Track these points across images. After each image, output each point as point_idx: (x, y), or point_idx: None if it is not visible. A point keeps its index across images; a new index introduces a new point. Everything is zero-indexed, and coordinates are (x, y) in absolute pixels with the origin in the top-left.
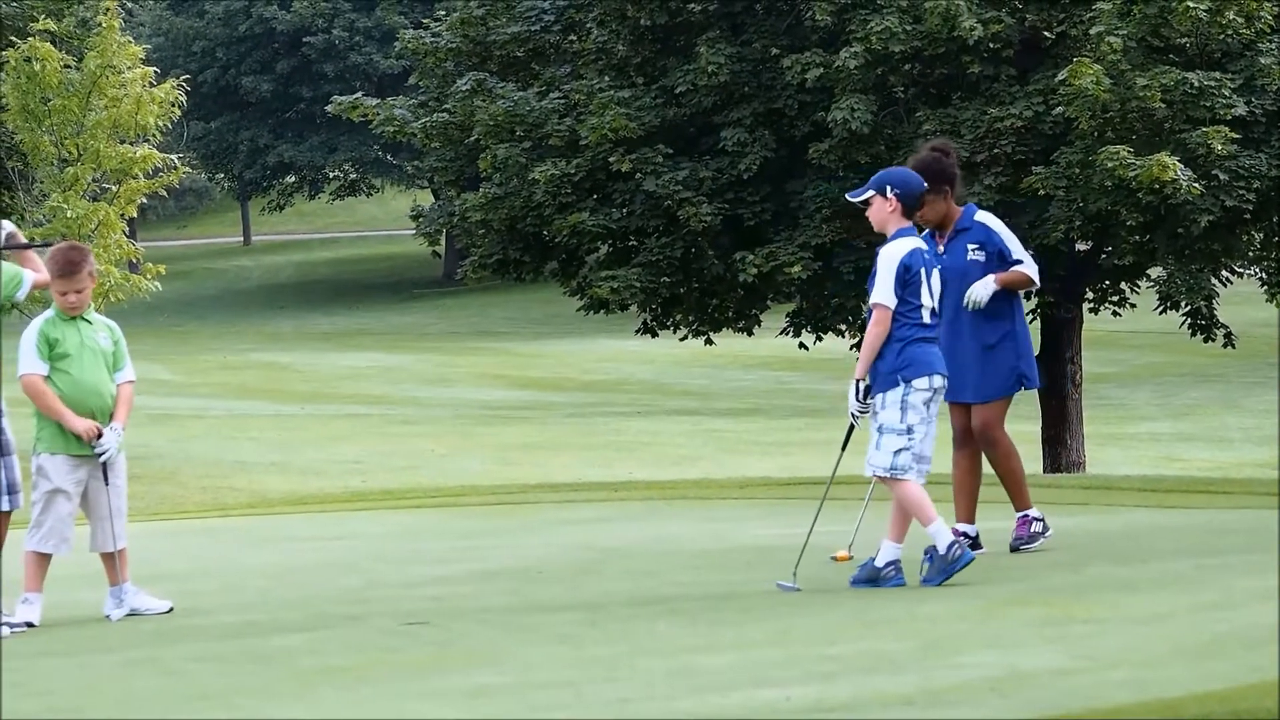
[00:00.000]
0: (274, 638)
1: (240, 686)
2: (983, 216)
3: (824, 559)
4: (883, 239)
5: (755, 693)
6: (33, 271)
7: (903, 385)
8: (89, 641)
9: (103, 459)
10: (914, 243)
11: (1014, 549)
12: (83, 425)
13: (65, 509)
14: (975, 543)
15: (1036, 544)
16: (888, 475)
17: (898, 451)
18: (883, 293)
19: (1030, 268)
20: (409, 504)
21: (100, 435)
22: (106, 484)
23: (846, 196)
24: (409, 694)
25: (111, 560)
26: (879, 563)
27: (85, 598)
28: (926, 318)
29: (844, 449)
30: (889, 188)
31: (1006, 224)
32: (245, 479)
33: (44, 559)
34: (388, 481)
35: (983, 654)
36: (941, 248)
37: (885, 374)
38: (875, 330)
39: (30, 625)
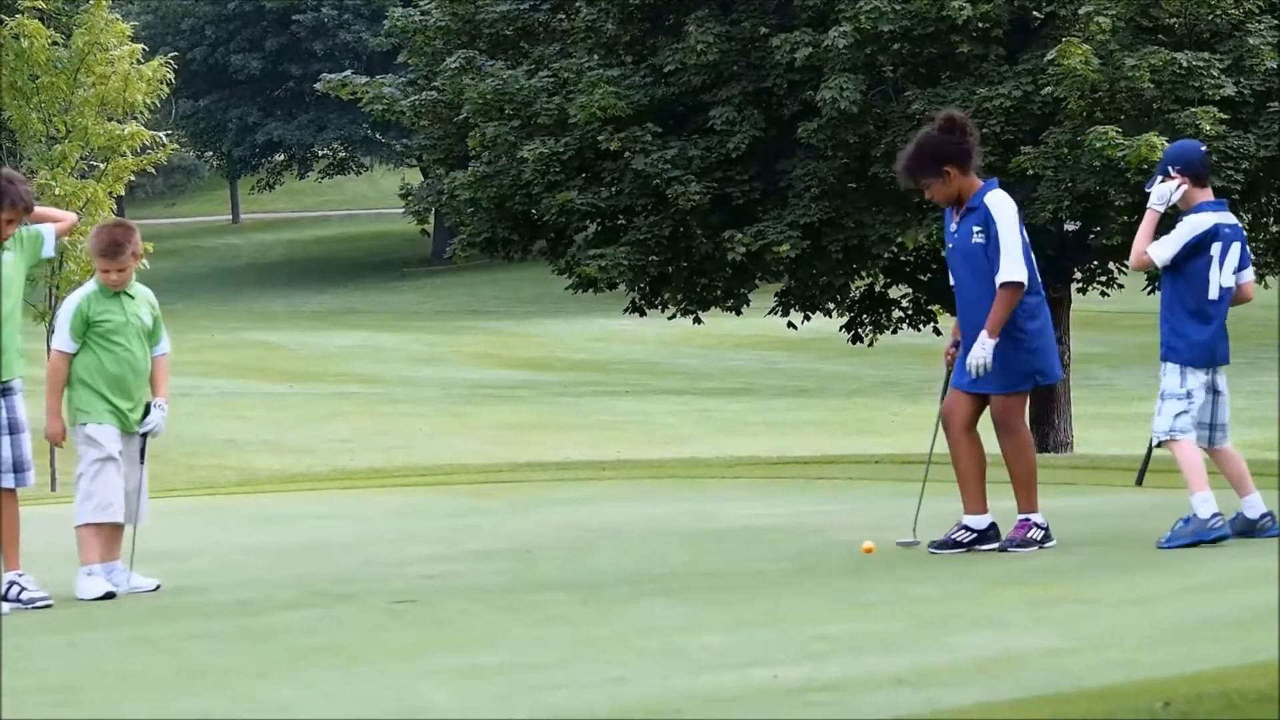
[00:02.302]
0: (267, 616)
1: (234, 665)
2: (991, 199)
3: (810, 539)
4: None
5: (747, 672)
6: (49, 224)
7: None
8: (78, 620)
9: (145, 431)
10: (1214, 218)
11: (1003, 548)
12: (55, 424)
13: (115, 476)
14: (986, 535)
15: (1028, 550)
16: (1168, 438)
17: (1178, 415)
18: (1161, 248)
19: (1009, 272)
20: (399, 483)
21: (60, 444)
22: (141, 462)
23: (1145, 188)
24: (404, 673)
25: (114, 534)
26: (1252, 513)
27: (66, 576)
28: (1213, 293)
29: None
30: (1170, 167)
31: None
32: (235, 458)
33: (97, 530)
34: (377, 460)
35: (974, 634)
36: (954, 225)
37: (1163, 343)
38: (1136, 250)
39: (111, 595)
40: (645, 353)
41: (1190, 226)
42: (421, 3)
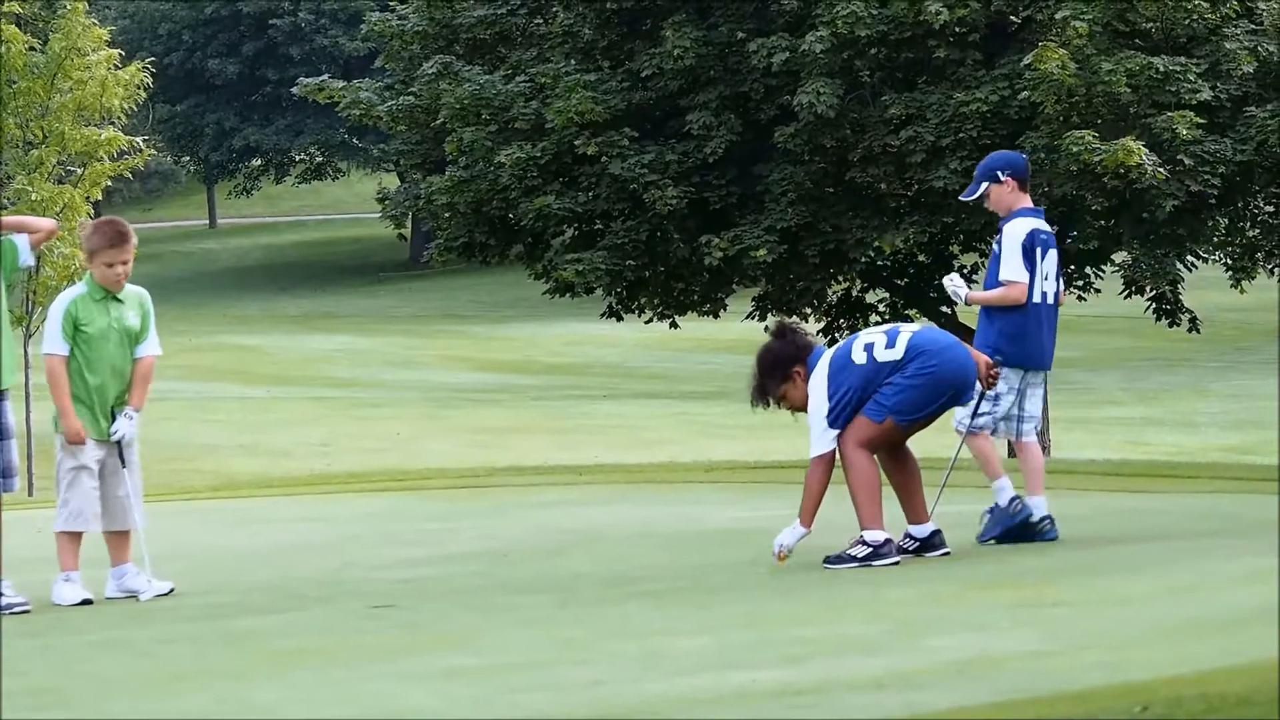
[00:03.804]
0: (245, 619)
1: (213, 668)
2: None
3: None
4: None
5: (726, 675)
6: (24, 233)
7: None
8: (55, 624)
9: (116, 439)
10: (1033, 222)
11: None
12: (72, 423)
13: (89, 485)
14: (930, 543)
15: (842, 565)
16: (964, 430)
17: (979, 414)
18: (1014, 270)
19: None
20: (377, 487)
21: (115, 421)
22: (124, 465)
23: (962, 198)
24: (382, 675)
25: (117, 540)
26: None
27: (45, 579)
28: (1035, 296)
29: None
30: (999, 172)
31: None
32: (212, 461)
33: (75, 537)
34: (355, 464)
35: (953, 637)
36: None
37: (989, 345)
38: (1010, 296)
39: (88, 601)
40: (623, 356)
41: (1013, 239)
42: (399, 7)
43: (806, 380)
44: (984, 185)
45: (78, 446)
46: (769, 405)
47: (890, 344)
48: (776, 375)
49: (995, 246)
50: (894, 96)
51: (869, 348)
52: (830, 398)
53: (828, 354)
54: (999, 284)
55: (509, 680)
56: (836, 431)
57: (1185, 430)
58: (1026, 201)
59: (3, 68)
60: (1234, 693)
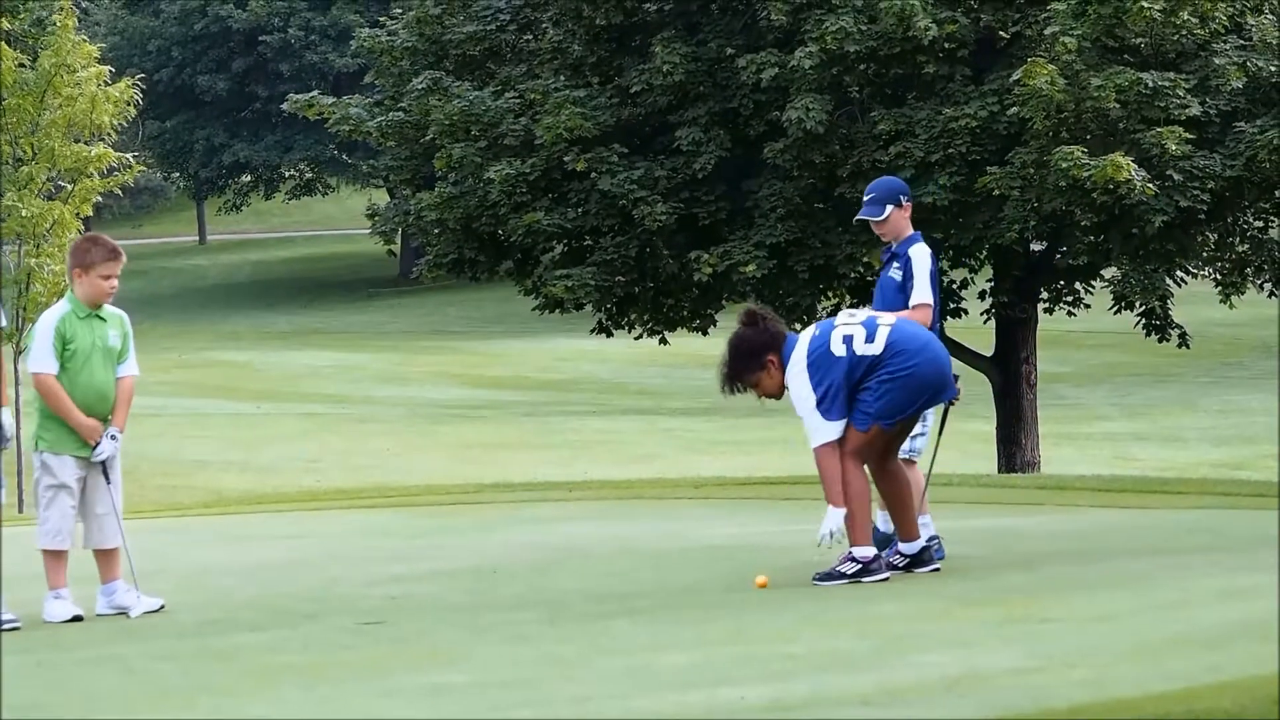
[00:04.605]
0: (233, 636)
1: (200, 685)
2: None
3: (777, 558)
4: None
5: (713, 692)
6: None
7: None
8: (45, 641)
9: (99, 460)
10: (927, 247)
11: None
12: (88, 425)
13: (68, 504)
14: (919, 559)
15: (832, 582)
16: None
17: (914, 436)
18: (925, 293)
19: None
20: (366, 503)
21: (99, 442)
22: (108, 482)
23: (863, 217)
24: (369, 692)
25: (106, 557)
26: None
27: (36, 596)
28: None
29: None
30: (902, 197)
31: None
32: (202, 477)
33: (59, 554)
34: (344, 480)
35: (940, 653)
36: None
37: None
38: (920, 320)
39: (78, 618)
40: (612, 372)
41: (922, 263)
42: (388, 23)
43: (781, 369)
44: (889, 208)
45: (58, 466)
46: (739, 391)
47: (870, 338)
48: (751, 364)
49: (894, 273)
50: (883, 112)
51: (848, 340)
52: (815, 389)
53: (803, 343)
54: (908, 307)
55: (497, 697)
56: (842, 420)
57: (1174, 445)
58: (911, 227)
59: None
60: (1223, 708)
